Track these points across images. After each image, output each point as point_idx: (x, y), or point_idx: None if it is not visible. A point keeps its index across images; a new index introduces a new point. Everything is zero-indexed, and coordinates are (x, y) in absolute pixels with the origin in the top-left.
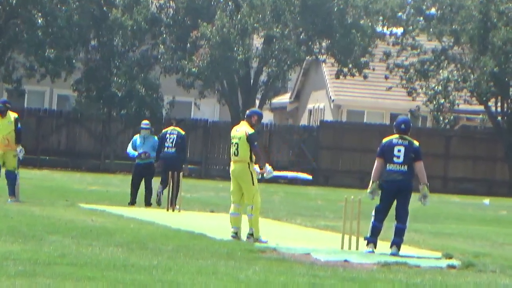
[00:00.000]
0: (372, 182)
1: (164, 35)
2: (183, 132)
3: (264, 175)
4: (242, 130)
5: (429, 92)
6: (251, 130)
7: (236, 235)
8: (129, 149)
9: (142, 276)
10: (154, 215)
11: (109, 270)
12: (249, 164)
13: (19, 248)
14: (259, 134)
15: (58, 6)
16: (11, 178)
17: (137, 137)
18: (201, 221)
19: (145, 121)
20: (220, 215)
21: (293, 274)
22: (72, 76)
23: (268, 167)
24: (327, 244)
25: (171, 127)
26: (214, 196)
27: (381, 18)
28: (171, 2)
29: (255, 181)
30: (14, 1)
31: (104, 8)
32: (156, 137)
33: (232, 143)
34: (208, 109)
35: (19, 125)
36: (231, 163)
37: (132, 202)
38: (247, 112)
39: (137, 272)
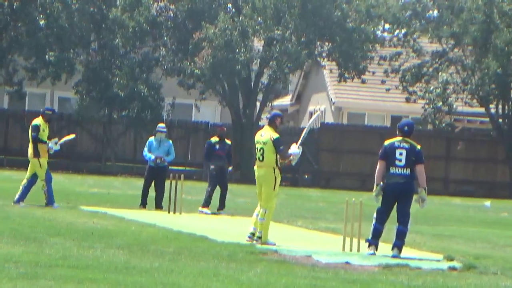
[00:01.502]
0: (376, 185)
1: (165, 38)
2: (209, 140)
3: (294, 159)
4: (266, 135)
5: (427, 95)
6: (276, 135)
7: (252, 235)
8: (145, 151)
9: (144, 278)
10: (155, 217)
11: (111, 272)
12: (274, 169)
13: (21, 250)
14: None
15: (59, 8)
16: (33, 183)
17: (152, 140)
18: (202, 223)
19: (161, 124)
20: (222, 217)
21: (294, 276)
22: (73, 78)
23: (292, 150)
24: (328, 246)
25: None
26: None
27: (382, 22)
28: (171, 5)
29: (277, 186)
30: (16, 4)
31: (104, 11)
32: (171, 141)
33: (257, 148)
34: (209, 111)
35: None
36: (256, 168)
37: (143, 204)
38: (269, 116)
39: (139, 274)
